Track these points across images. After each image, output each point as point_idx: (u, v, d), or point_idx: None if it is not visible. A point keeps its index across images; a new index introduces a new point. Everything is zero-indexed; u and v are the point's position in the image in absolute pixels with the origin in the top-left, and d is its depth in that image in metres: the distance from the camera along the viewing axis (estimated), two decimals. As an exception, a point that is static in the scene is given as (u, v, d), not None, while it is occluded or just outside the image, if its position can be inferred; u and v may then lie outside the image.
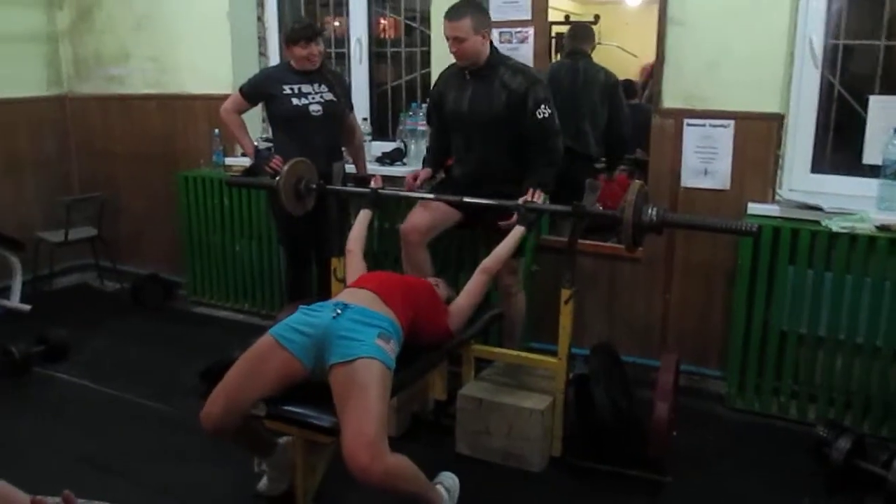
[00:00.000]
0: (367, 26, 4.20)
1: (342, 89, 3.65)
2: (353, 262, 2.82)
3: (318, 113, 3.51)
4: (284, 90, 3.51)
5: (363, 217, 3.01)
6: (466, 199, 2.95)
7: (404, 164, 3.92)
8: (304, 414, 2.20)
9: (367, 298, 2.35)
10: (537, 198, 2.89)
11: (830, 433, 2.73)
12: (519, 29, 3.38)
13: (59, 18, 4.94)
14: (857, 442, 2.62)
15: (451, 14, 3.01)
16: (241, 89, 3.63)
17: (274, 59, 4.46)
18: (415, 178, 3.30)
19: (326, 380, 2.17)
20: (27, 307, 4.37)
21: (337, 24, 4.43)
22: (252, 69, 4.25)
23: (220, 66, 4.37)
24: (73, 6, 4.88)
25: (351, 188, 3.40)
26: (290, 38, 3.51)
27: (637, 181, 2.72)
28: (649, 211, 2.51)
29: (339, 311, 2.28)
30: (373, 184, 3.11)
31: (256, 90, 3.59)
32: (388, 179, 3.41)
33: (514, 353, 3.04)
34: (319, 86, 3.56)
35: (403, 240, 3.25)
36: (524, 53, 3.43)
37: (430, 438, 2.99)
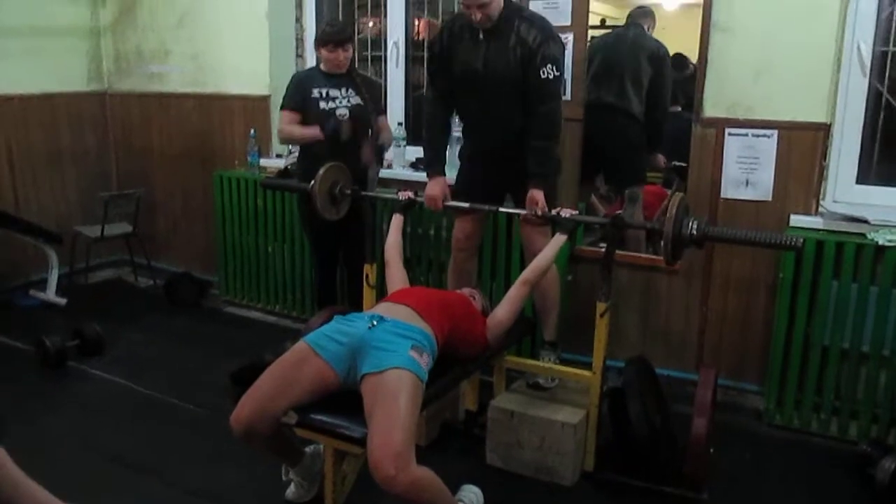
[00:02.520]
0: (404, 29, 4.17)
1: (371, 94, 3.63)
2: (393, 272, 2.81)
3: (345, 117, 3.51)
4: (313, 94, 3.52)
5: (396, 222, 2.99)
6: (503, 210, 2.92)
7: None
8: (336, 424, 2.18)
9: (403, 312, 2.34)
10: (540, 202, 2.82)
11: (875, 452, 2.67)
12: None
13: (103, 14, 4.99)
14: (902, 462, 2.55)
15: None
16: (283, 107, 3.60)
17: (311, 60, 4.44)
18: (439, 200, 3.06)
19: (358, 389, 2.16)
20: (63, 300, 4.46)
21: (372, 24, 4.41)
22: (289, 70, 4.27)
23: (257, 67, 4.38)
24: (117, 3, 4.93)
25: (385, 195, 3.36)
26: (318, 39, 3.53)
27: (678, 193, 2.66)
28: (690, 224, 2.45)
29: (374, 323, 2.27)
30: (400, 196, 3.07)
31: (295, 99, 3.57)
32: (422, 185, 3.35)
33: (548, 365, 2.99)
34: (347, 90, 3.55)
35: (456, 248, 3.22)
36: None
37: (460, 449, 2.96)
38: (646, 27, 4.03)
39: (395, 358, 2.14)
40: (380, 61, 4.28)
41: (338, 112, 3.50)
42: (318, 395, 2.23)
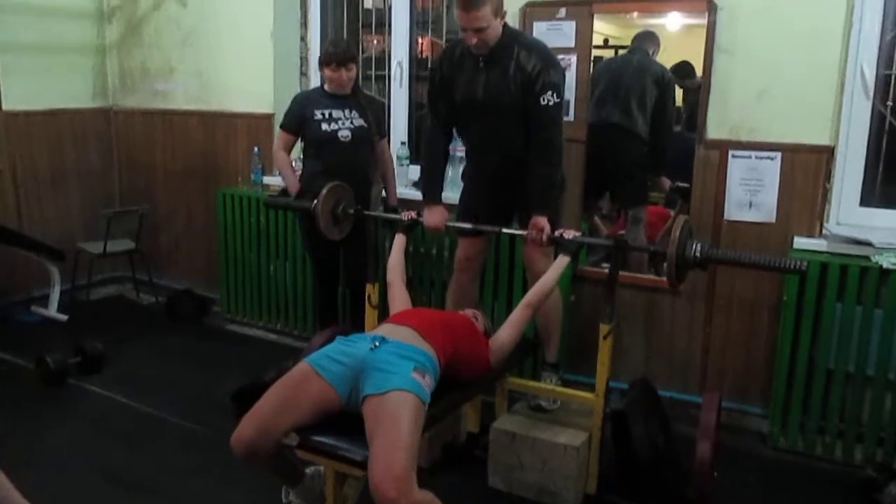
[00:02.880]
0: (408, 49, 4.18)
1: (374, 115, 3.63)
2: (396, 293, 2.80)
3: (347, 139, 3.52)
4: (315, 115, 3.52)
5: (399, 243, 2.98)
6: (506, 231, 2.92)
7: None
8: (337, 445, 2.16)
9: (406, 334, 2.33)
10: (545, 230, 2.81)
11: (880, 476, 2.65)
12: (562, 56, 3.30)
13: (109, 32, 5.02)
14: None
15: (469, 3, 2.69)
16: (282, 126, 3.64)
17: (315, 79, 4.45)
18: (441, 228, 3.07)
19: (360, 411, 2.14)
20: (64, 317, 4.45)
21: (376, 42, 4.42)
22: (293, 88, 4.28)
23: (261, 85, 4.40)
24: (123, 20, 4.96)
25: (388, 214, 3.37)
26: (321, 59, 3.53)
27: (681, 215, 2.65)
28: (693, 246, 2.45)
29: (377, 344, 2.25)
30: (403, 216, 3.06)
31: (294, 120, 3.60)
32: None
33: (550, 387, 2.98)
34: (350, 111, 3.56)
35: (458, 269, 3.21)
36: (566, 81, 3.36)
37: (461, 470, 2.93)
38: (650, 52, 4.06)
39: (398, 379, 2.13)
40: (384, 80, 4.29)
41: (340, 134, 3.51)
42: (320, 416, 2.20)
